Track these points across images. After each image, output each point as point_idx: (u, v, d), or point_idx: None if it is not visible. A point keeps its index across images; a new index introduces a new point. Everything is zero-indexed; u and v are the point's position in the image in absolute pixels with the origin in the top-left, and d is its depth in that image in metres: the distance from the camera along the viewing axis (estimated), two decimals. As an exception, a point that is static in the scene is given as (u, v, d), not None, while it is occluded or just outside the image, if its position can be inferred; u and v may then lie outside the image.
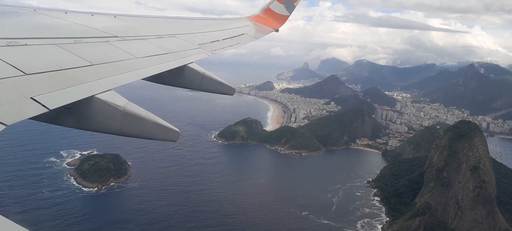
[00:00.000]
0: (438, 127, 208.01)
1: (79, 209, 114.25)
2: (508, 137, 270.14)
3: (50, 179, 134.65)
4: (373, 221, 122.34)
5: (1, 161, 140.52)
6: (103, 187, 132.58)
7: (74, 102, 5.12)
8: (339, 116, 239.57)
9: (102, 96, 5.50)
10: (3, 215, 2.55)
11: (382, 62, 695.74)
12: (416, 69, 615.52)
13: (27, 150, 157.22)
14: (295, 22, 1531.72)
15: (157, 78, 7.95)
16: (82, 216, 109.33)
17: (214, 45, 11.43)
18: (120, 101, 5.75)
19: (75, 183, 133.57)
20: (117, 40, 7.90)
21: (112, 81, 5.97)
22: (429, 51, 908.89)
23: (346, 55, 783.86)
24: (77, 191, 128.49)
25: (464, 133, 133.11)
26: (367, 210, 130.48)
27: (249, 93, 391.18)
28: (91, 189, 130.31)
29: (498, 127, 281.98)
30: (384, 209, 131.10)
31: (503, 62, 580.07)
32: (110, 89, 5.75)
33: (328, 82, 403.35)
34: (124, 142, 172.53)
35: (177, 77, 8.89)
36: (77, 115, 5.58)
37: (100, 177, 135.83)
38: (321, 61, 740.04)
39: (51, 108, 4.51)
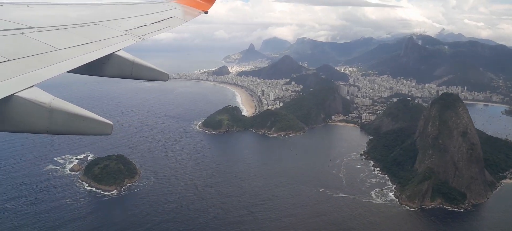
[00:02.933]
0: (409, 98, 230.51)
1: (117, 213, 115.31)
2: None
3: (63, 187, 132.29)
4: (384, 190, 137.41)
5: (1, 177, 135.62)
6: (122, 189, 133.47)
7: None
8: (313, 95, 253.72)
9: (23, 94, 5.27)
10: None
11: (322, 39, 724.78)
12: (355, 43, 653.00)
13: (17, 162, 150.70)
14: (233, 3, 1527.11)
15: (83, 70, 7.63)
16: (125, 220, 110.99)
17: (141, 30, 11.22)
18: (45, 97, 5.56)
19: (91, 188, 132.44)
20: (34, 32, 7.50)
21: (33, 77, 5.72)
22: (364, 25, 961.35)
23: (286, 34, 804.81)
24: (98, 195, 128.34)
25: (450, 103, 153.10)
26: (373, 180, 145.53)
27: (207, 79, 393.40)
28: (112, 192, 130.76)
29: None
30: (387, 178, 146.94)
31: (431, 32, 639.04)
32: (32, 86, 5.52)
33: (283, 62, 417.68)
34: (114, 142, 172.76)
35: (105, 66, 8.66)
36: None
37: (116, 179, 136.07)
38: (263, 41, 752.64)
39: None
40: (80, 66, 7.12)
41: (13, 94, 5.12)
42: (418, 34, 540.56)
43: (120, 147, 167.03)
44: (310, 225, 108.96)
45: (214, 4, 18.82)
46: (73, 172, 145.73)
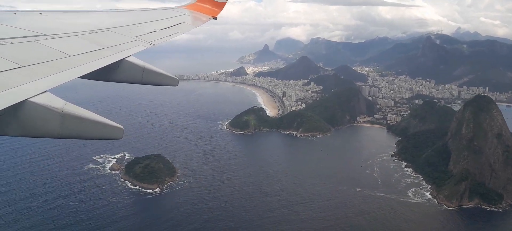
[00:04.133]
0: (435, 100, 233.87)
1: (165, 211, 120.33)
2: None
3: (107, 186, 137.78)
4: (419, 190, 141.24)
5: (46, 176, 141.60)
6: (164, 187, 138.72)
7: (5, 108, 5.00)
8: (336, 96, 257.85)
9: (36, 100, 5.49)
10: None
11: (336, 39, 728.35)
12: (370, 43, 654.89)
13: (60, 162, 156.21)
14: (247, 4, 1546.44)
15: (95, 75, 7.99)
16: (173, 218, 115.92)
17: (151, 36, 11.51)
18: (57, 102, 5.78)
19: (134, 186, 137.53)
20: (47, 39, 7.83)
21: (46, 83, 5.96)
22: (379, 25, 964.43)
23: (300, 34, 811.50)
24: (142, 193, 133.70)
25: (483, 106, 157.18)
26: (408, 180, 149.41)
27: (225, 80, 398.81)
28: (155, 190, 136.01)
29: (469, 94, 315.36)
30: (421, 178, 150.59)
31: (446, 31, 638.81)
32: (45, 91, 5.75)
33: (300, 63, 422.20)
34: (148, 142, 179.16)
35: (116, 72, 8.99)
36: (11, 122, 5.54)
37: (157, 178, 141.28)
38: (276, 42, 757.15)
39: None
40: (91, 72, 7.47)
41: (26, 99, 5.35)
42: (435, 33, 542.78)
43: (154, 147, 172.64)
44: (356, 224, 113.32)
45: (227, 5, 19.44)
46: (113, 171, 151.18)
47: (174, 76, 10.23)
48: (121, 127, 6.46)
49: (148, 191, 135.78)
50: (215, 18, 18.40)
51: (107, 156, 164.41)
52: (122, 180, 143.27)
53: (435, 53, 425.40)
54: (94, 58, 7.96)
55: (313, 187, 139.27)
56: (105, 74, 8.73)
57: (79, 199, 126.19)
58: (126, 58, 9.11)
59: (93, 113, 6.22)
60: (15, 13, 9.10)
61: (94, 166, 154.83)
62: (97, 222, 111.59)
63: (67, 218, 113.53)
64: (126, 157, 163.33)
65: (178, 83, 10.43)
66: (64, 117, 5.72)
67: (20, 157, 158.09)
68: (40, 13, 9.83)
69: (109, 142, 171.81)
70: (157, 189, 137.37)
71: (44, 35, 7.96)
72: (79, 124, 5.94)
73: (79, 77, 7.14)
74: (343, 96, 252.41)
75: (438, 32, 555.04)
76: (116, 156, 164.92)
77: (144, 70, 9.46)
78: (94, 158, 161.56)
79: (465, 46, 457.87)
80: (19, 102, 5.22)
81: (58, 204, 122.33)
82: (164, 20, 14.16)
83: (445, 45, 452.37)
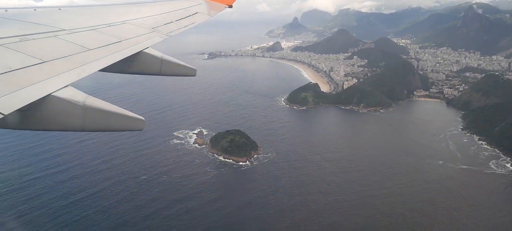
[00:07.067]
0: (497, 73, 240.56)
1: (272, 179, 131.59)
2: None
3: (200, 160, 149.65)
4: (500, 162, 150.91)
5: (140, 153, 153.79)
6: (252, 160, 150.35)
7: (30, 104, 5.29)
8: (392, 71, 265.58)
9: (59, 94, 5.82)
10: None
11: (365, 9, 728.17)
12: (402, 13, 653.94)
13: (145, 139, 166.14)
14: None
15: (114, 68, 8.37)
16: (279, 190, 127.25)
17: (168, 27, 12.09)
18: (79, 96, 6.14)
19: (225, 159, 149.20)
20: (66, 34, 8.32)
21: (68, 77, 6.34)
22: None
23: (327, 5, 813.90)
24: (235, 166, 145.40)
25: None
26: (486, 153, 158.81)
27: (263, 56, 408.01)
28: (246, 163, 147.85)
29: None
30: (498, 151, 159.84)
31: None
32: (67, 86, 6.12)
33: (339, 36, 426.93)
34: (219, 120, 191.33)
35: (134, 64, 9.47)
36: (35, 117, 5.82)
37: (245, 152, 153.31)
38: (303, 14, 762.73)
39: (6, 114, 4.70)
40: (110, 64, 7.93)
41: (49, 94, 5.72)
42: (474, 2, 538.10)
43: (226, 125, 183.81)
44: (457, 195, 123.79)
45: None
46: (198, 146, 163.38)
47: (192, 67, 10.72)
48: (142, 118, 6.95)
49: (240, 163, 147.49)
50: (230, 6, 19.26)
51: (186, 131, 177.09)
52: (211, 153, 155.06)
53: (477, 24, 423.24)
54: (113, 51, 8.46)
55: (402, 160, 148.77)
56: (124, 66, 9.21)
57: (181, 173, 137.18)
58: (144, 50, 9.62)
59: (115, 106, 6.65)
60: (35, 10, 9.64)
61: (178, 141, 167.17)
62: (214, 193, 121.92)
63: (180, 192, 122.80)
64: (205, 133, 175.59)
65: (196, 73, 10.98)
66: (86, 110, 6.12)
67: (105, 135, 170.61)
68: (59, 9, 10.40)
69: (184, 119, 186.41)
70: (247, 162, 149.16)
71: (64, 30, 8.52)
72: (101, 117, 6.37)
73: (99, 70, 7.56)
74: (399, 71, 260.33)
75: (476, 1, 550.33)
76: (194, 132, 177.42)
77: (162, 61, 9.97)
78: (174, 133, 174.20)
79: (508, 15, 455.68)
80: (43, 97, 5.63)
81: (163, 178, 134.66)
82: (179, 11, 14.82)
83: (487, 15, 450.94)
